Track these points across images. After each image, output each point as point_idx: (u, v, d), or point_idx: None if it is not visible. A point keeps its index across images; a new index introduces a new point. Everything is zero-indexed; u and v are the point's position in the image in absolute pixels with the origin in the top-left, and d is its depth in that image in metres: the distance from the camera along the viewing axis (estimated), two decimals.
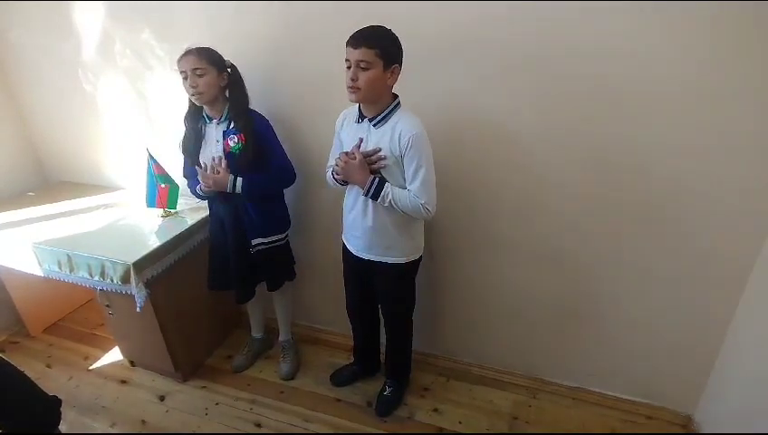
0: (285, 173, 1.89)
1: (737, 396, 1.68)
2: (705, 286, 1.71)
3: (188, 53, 1.70)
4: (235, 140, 1.77)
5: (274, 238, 1.97)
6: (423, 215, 1.56)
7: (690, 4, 1.34)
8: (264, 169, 1.84)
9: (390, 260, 1.71)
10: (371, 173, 1.55)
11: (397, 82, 1.50)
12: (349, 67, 1.44)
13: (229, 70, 1.78)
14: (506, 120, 1.68)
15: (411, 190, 1.54)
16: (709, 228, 1.62)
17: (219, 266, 2.03)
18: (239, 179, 1.80)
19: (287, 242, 2.06)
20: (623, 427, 1.98)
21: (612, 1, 1.40)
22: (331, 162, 1.74)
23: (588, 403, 2.08)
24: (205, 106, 1.80)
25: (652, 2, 1.37)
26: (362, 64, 1.41)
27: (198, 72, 1.69)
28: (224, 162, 1.80)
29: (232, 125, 1.79)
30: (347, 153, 1.58)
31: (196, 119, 1.85)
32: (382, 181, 1.55)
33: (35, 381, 1.59)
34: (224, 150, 1.80)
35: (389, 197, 1.54)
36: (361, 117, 1.57)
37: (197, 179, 1.88)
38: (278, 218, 1.99)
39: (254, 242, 1.93)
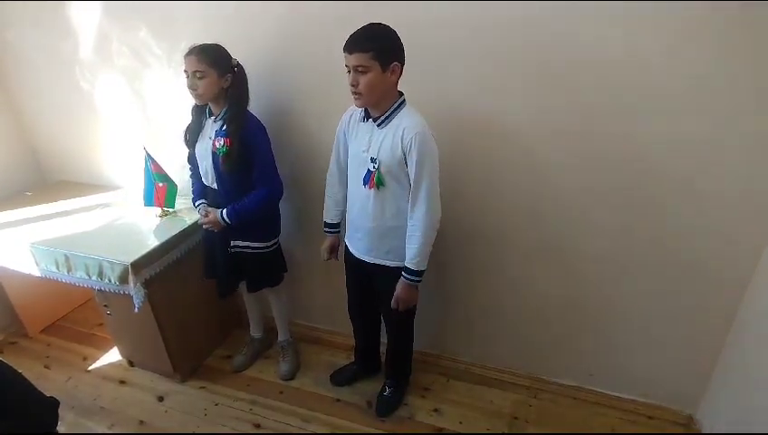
0: (269, 195, 1.85)
1: (740, 396, 1.67)
2: (708, 286, 1.70)
3: (191, 53, 1.67)
4: (221, 142, 1.75)
5: (255, 245, 1.95)
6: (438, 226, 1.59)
7: (692, 3, 1.33)
8: (248, 175, 1.81)
9: (391, 263, 1.69)
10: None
11: (401, 81, 1.49)
12: (349, 72, 1.43)
13: (235, 69, 1.75)
14: (510, 120, 1.67)
15: (417, 209, 1.54)
16: (712, 227, 1.60)
17: (209, 257, 2.06)
18: (224, 212, 1.83)
19: (274, 251, 2.02)
20: (624, 426, 1.97)
21: (615, 0, 1.38)
22: (332, 162, 1.75)
23: (588, 403, 2.08)
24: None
25: (654, 2, 1.35)
26: (360, 69, 1.40)
27: (198, 74, 1.67)
28: (207, 214, 1.88)
29: (224, 126, 1.77)
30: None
31: (200, 111, 1.85)
32: (414, 272, 1.62)
33: (33, 382, 1.57)
34: (211, 149, 1.79)
35: (421, 259, 1.60)
36: (367, 116, 1.56)
37: (196, 171, 1.95)
38: (262, 227, 1.95)
39: (233, 243, 1.93)
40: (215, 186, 1.88)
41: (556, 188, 1.73)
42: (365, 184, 1.58)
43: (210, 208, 1.89)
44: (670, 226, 1.65)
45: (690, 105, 1.46)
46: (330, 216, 1.86)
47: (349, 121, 1.66)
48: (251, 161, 1.79)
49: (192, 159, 1.95)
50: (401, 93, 1.53)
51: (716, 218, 1.59)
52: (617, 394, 2.05)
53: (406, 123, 1.48)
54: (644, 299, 1.81)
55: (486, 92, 1.65)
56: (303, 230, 2.22)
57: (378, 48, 1.39)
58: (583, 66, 1.51)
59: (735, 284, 1.66)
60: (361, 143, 1.58)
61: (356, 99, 1.47)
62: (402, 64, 1.46)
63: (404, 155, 1.49)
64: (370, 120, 1.55)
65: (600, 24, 1.43)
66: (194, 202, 1.99)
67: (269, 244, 1.99)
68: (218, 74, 1.70)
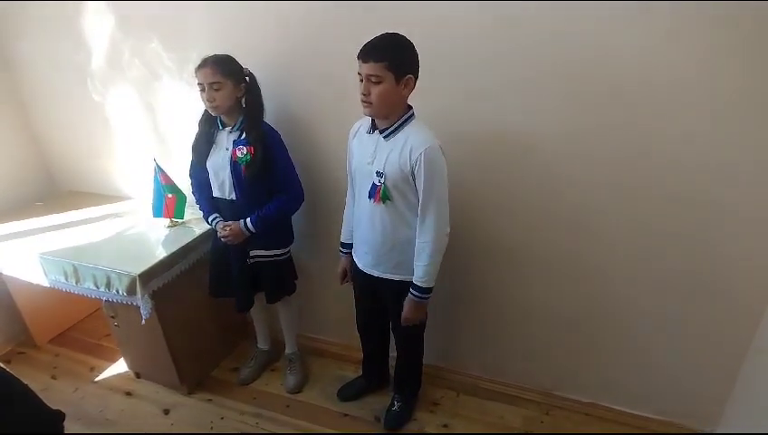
0: (293, 199, 1.88)
1: (762, 413, 1.61)
2: (728, 298, 1.65)
3: (205, 65, 1.67)
4: (244, 151, 1.75)
5: (274, 253, 1.95)
6: (447, 241, 1.57)
7: (718, 4, 1.30)
8: (270, 183, 1.82)
9: (398, 278, 1.67)
10: None
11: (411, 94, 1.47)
12: (361, 81, 1.41)
13: (247, 79, 1.76)
14: (522, 130, 1.65)
15: (425, 227, 1.52)
16: (730, 239, 1.56)
17: (219, 274, 2.02)
18: (249, 221, 1.82)
19: (289, 258, 2.03)
20: None
21: (635, 1, 1.36)
22: (348, 178, 1.73)
23: (602, 419, 2.02)
24: None
25: (676, 2, 1.33)
26: (373, 79, 1.38)
27: (215, 86, 1.67)
28: (226, 227, 1.85)
29: (243, 135, 1.77)
30: None
31: (209, 123, 1.85)
32: (423, 289, 1.60)
33: (40, 393, 1.56)
34: (230, 159, 1.78)
35: (430, 277, 1.58)
36: (373, 128, 1.54)
37: (201, 187, 1.94)
38: (279, 233, 1.96)
39: (252, 253, 1.92)
40: (233, 197, 1.86)
41: (570, 201, 1.70)
42: (370, 197, 1.56)
43: (229, 222, 1.86)
44: (688, 239, 1.61)
45: (714, 114, 1.43)
46: (344, 235, 1.84)
47: (354, 135, 1.65)
48: (271, 168, 1.80)
49: (197, 174, 1.94)
50: (410, 107, 1.51)
51: (736, 231, 1.55)
52: (632, 411, 1.99)
53: (414, 138, 1.45)
54: (661, 313, 1.76)
55: (500, 101, 1.63)
56: (312, 242, 2.21)
57: (393, 59, 1.37)
58: (602, 74, 1.48)
59: (757, 295, 1.61)
60: (365, 154, 1.55)
61: (365, 107, 1.44)
62: (416, 78, 1.44)
63: (412, 171, 1.46)
64: (376, 131, 1.52)
65: (615, 26, 1.41)
66: (206, 219, 1.95)
67: (285, 251, 2.00)
68: (234, 84, 1.71)
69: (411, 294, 1.62)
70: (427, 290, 1.60)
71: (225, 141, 1.81)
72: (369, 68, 1.37)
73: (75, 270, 1.93)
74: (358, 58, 1.40)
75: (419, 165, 1.43)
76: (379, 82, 1.38)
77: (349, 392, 2.16)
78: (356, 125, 1.65)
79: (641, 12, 1.36)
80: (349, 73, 1.49)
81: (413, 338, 1.89)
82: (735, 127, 1.42)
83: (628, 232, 1.68)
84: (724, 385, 1.79)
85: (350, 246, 1.83)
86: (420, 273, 1.58)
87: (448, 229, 1.55)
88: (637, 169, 1.58)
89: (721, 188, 1.51)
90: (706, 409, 1.85)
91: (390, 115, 1.48)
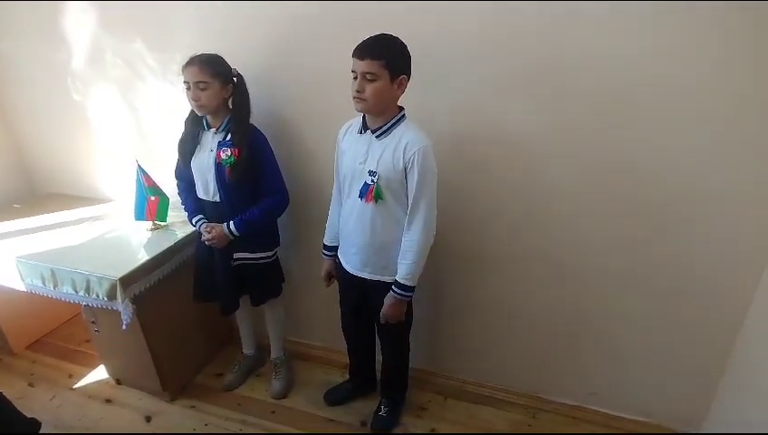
0: (278, 203, 1.86)
1: (745, 415, 1.63)
2: (711, 303, 1.67)
3: (192, 63, 1.65)
4: (228, 153, 1.73)
5: (259, 255, 1.93)
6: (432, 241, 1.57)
7: (704, 3, 1.31)
8: (254, 185, 1.80)
9: (387, 279, 1.65)
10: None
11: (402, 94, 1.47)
12: (355, 78, 1.41)
13: (235, 79, 1.74)
14: (511, 134, 1.65)
15: (414, 226, 1.52)
16: (714, 243, 1.58)
17: (203, 277, 1.98)
18: (232, 224, 1.80)
19: (275, 260, 2.01)
20: None
21: (631, 0, 1.36)
22: (335, 181, 1.72)
23: (588, 423, 2.03)
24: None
25: (666, 2, 1.34)
26: (368, 76, 1.38)
27: (201, 85, 1.65)
28: (210, 229, 1.83)
29: (228, 137, 1.75)
30: None
31: (196, 123, 1.82)
32: (406, 287, 1.59)
33: (16, 401, 1.53)
34: (215, 160, 1.76)
35: (414, 275, 1.57)
36: (364, 128, 1.53)
37: (187, 187, 1.91)
38: (264, 236, 1.93)
39: (236, 256, 1.89)
40: (217, 199, 1.83)
41: (556, 205, 1.71)
42: (362, 197, 1.55)
43: (213, 224, 1.84)
44: (673, 242, 1.63)
45: (696, 117, 1.45)
46: (328, 237, 1.83)
47: (344, 136, 1.63)
48: (257, 171, 1.78)
49: (183, 174, 1.91)
50: (401, 108, 1.51)
51: (720, 235, 1.57)
52: (618, 414, 2.00)
53: (409, 137, 1.45)
54: (646, 316, 1.78)
55: (489, 105, 1.63)
56: (298, 245, 2.18)
57: (390, 57, 1.38)
58: (593, 77, 1.49)
59: (740, 300, 1.64)
60: (357, 155, 1.55)
61: (357, 102, 1.44)
62: (408, 79, 1.45)
63: (405, 168, 1.46)
64: (368, 131, 1.52)
65: (609, 33, 1.42)
66: (190, 220, 1.92)
67: (271, 253, 1.97)
68: (221, 84, 1.69)
69: (393, 291, 1.61)
70: (410, 289, 1.60)
71: (210, 142, 1.78)
72: (365, 65, 1.38)
73: (53, 274, 1.87)
74: (353, 56, 1.40)
75: (413, 162, 1.44)
76: (373, 80, 1.38)
77: (336, 397, 2.14)
78: (345, 125, 1.64)
79: (638, 15, 1.37)
80: (337, 75, 1.49)
81: (399, 341, 1.88)
82: (729, 130, 1.43)
83: (613, 236, 1.69)
84: (708, 387, 1.81)
85: (333, 248, 1.81)
86: (405, 271, 1.57)
87: (434, 232, 1.56)
88: (622, 173, 1.59)
89: (704, 188, 1.53)
90: (691, 410, 1.87)
91: (382, 114, 1.48)
